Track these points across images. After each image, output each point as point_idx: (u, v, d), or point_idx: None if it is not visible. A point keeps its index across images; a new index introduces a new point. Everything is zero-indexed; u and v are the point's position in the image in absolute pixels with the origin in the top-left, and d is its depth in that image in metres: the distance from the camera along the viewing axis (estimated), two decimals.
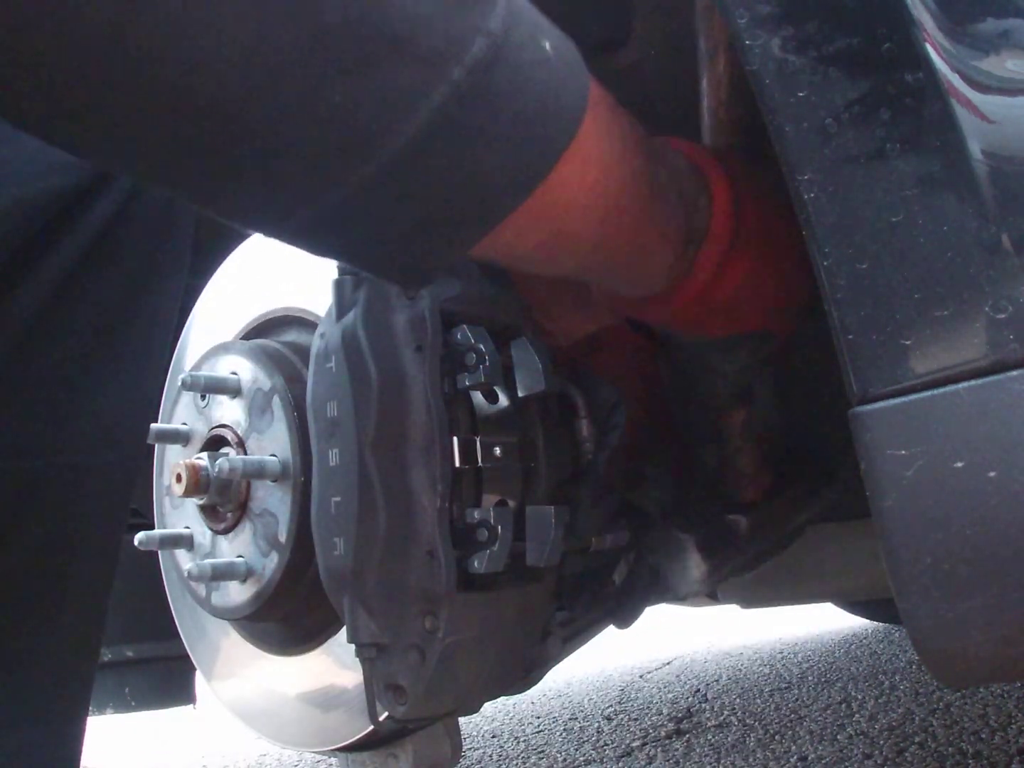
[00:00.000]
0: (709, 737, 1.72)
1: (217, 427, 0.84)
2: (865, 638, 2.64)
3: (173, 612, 0.97)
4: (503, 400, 0.69)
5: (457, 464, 0.65)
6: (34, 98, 0.40)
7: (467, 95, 0.43)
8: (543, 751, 1.81)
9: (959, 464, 0.47)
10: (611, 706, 2.18)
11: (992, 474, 0.47)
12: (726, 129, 0.71)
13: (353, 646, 0.67)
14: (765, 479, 0.85)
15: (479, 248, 0.50)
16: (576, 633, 0.89)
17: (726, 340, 0.70)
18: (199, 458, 0.79)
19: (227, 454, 0.81)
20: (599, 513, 0.75)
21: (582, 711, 2.17)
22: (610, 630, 0.94)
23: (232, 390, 0.82)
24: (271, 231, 0.49)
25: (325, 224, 0.46)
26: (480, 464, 0.66)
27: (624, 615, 0.89)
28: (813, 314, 0.72)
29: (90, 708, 0.77)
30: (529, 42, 0.46)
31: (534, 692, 2.48)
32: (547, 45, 0.47)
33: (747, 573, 0.90)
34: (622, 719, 2.01)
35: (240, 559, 0.80)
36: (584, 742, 1.83)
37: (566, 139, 0.48)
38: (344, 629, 0.67)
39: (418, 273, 0.52)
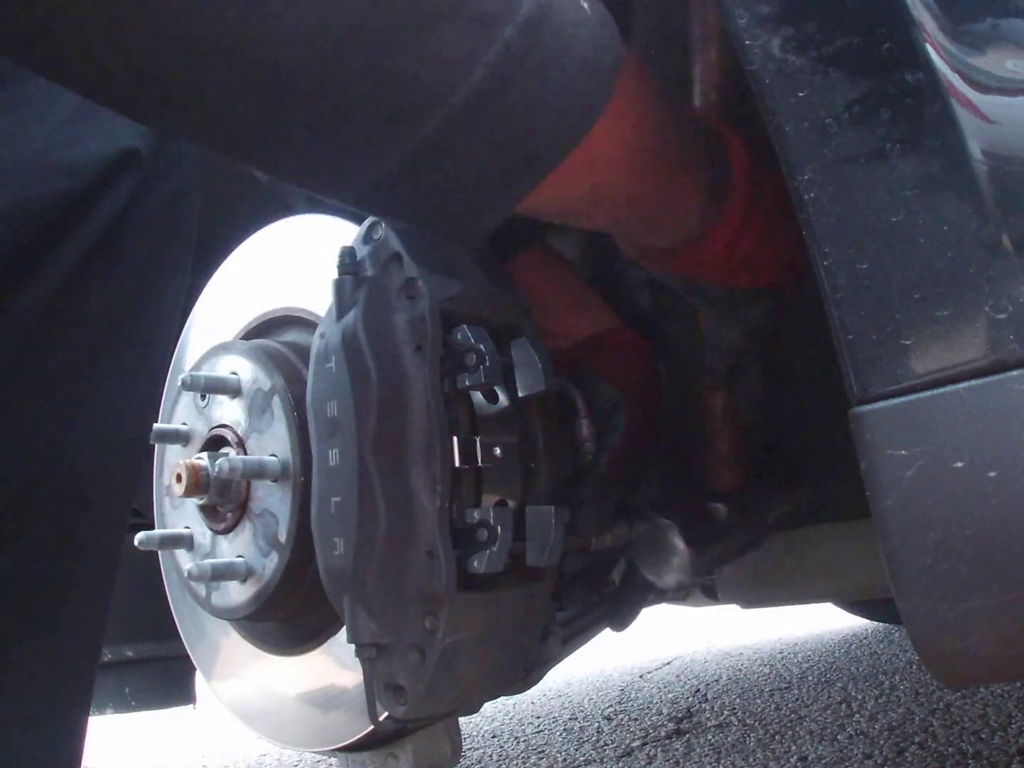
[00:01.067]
0: (709, 737, 1.72)
1: (217, 427, 0.84)
2: (865, 638, 2.64)
3: (173, 612, 0.97)
4: (503, 400, 0.69)
5: (457, 464, 0.65)
6: (115, 69, 0.42)
7: (518, 54, 0.45)
8: (543, 751, 1.81)
9: (959, 464, 0.47)
10: (611, 706, 2.18)
11: (992, 474, 0.47)
12: (716, 109, 0.74)
13: (353, 646, 0.67)
14: (741, 468, 0.87)
15: (525, 203, 0.52)
16: (576, 633, 0.89)
17: (742, 294, 0.73)
18: (199, 458, 0.79)
19: (227, 454, 0.81)
20: (599, 513, 0.75)
21: (582, 711, 2.17)
22: (610, 630, 0.94)
23: (232, 390, 0.82)
24: (339, 194, 0.51)
25: (390, 184, 0.48)
26: (480, 464, 0.66)
27: (620, 617, 0.89)
28: (800, 309, 0.74)
29: (90, 708, 0.77)
30: (571, 3, 0.48)
31: (534, 692, 2.48)
32: (586, 5, 0.49)
33: (728, 564, 0.91)
34: (622, 719, 2.01)
35: (240, 559, 0.80)
36: (584, 742, 1.83)
37: (606, 95, 0.50)
38: (344, 629, 0.67)
39: (474, 228, 0.54)
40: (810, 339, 0.87)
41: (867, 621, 2.78)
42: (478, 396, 0.68)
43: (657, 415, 0.86)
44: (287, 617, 0.83)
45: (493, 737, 2.03)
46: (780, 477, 0.92)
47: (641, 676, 2.60)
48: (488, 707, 2.32)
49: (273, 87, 0.42)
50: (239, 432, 0.82)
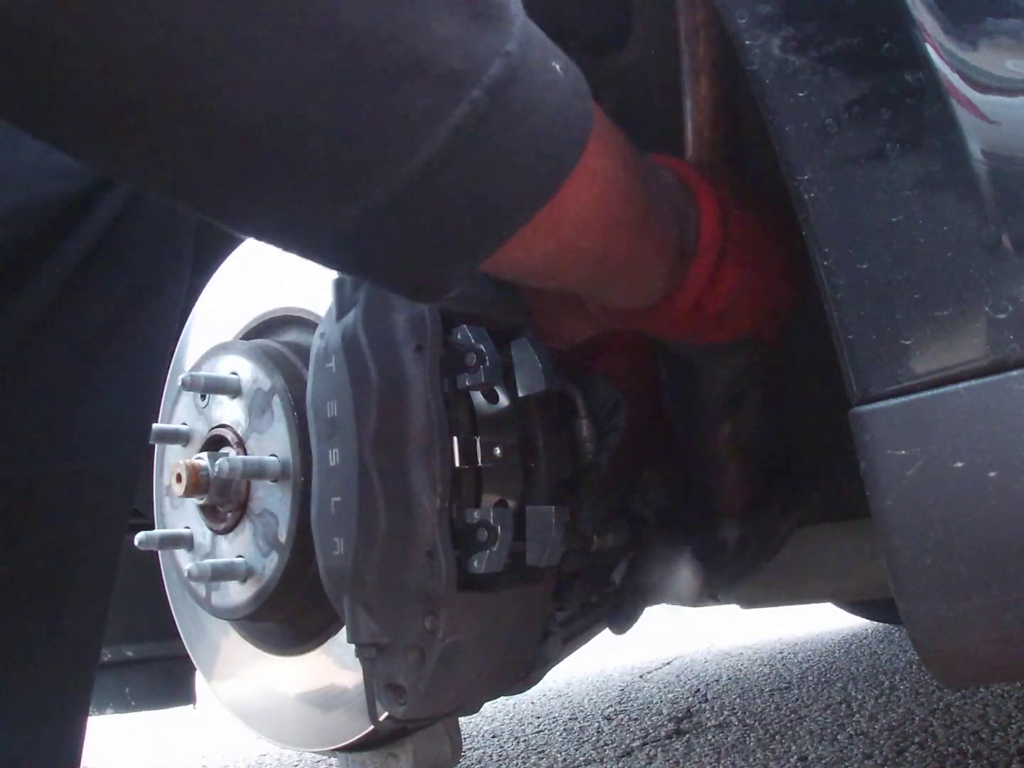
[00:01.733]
0: (709, 737, 1.72)
1: (217, 427, 0.84)
2: (865, 638, 2.64)
3: (173, 612, 0.97)
4: (503, 400, 0.69)
5: (457, 464, 0.65)
6: (65, 110, 0.41)
7: (485, 114, 0.45)
8: (543, 751, 1.81)
9: (959, 464, 0.47)
10: (611, 706, 2.18)
11: (992, 474, 0.47)
12: (710, 145, 0.73)
13: (353, 646, 0.67)
14: (748, 491, 0.86)
15: (488, 263, 0.52)
16: (576, 633, 0.89)
17: (720, 346, 0.73)
18: (199, 458, 0.79)
19: (227, 454, 0.81)
20: (599, 513, 0.75)
21: (582, 711, 2.17)
22: (611, 632, 0.94)
23: (232, 390, 0.82)
24: (292, 246, 0.50)
25: (345, 240, 0.47)
26: (480, 464, 0.66)
27: (620, 620, 0.89)
28: (801, 319, 0.73)
29: (90, 708, 0.77)
30: (541, 63, 0.47)
31: (534, 692, 2.48)
32: (557, 66, 0.48)
33: (740, 581, 0.91)
34: (622, 719, 2.01)
35: (240, 559, 0.80)
36: (584, 742, 1.83)
37: (575, 156, 0.50)
38: (344, 629, 0.67)
39: (431, 287, 0.53)
40: (809, 342, 0.87)
41: (867, 621, 2.78)
42: (478, 396, 0.68)
43: (657, 416, 0.86)
44: (287, 617, 0.83)
45: (493, 737, 2.03)
46: (792, 488, 0.92)
47: (641, 676, 2.59)
48: (488, 707, 2.32)
49: (231, 138, 0.42)
50: (239, 432, 0.82)
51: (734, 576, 0.89)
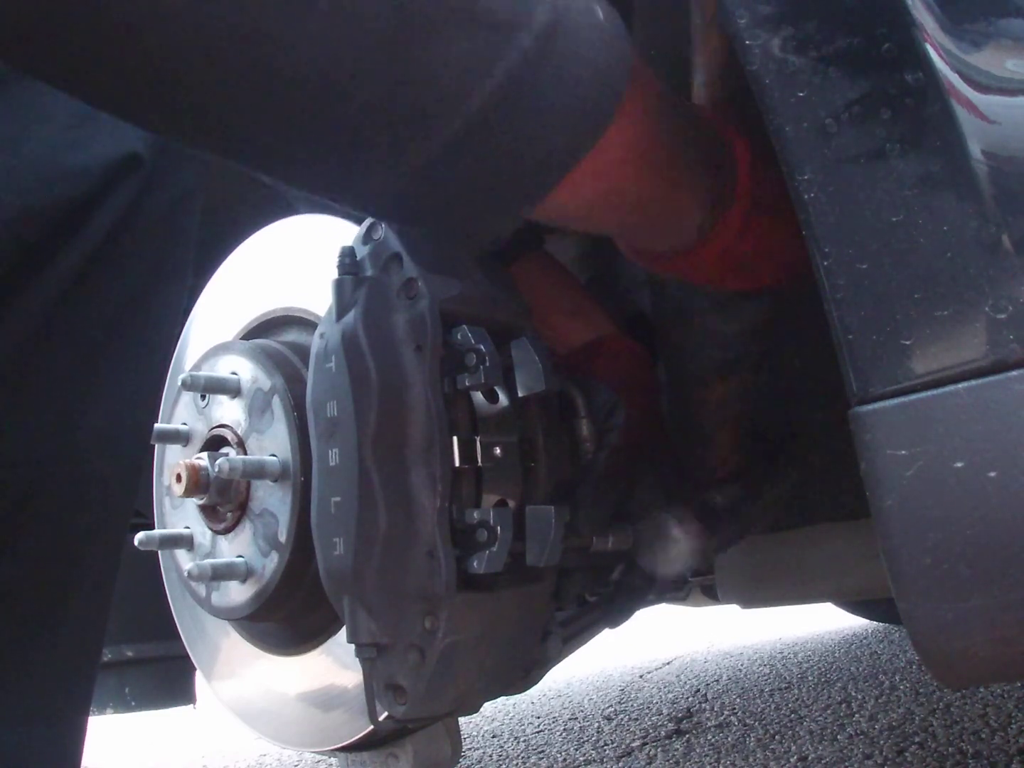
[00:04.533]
0: (709, 737, 1.72)
1: (217, 427, 0.84)
2: (865, 638, 2.64)
3: (173, 612, 0.97)
4: (503, 400, 0.69)
5: (457, 464, 0.65)
6: (126, 76, 0.42)
7: (534, 59, 0.46)
8: (543, 751, 1.81)
9: (959, 464, 0.47)
10: (611, 706, 2.18)
11: (992, 474, 0.47)
12: (720, 102, 0.72)
13: (353, 646, 0.67)
14: (736, 456, 0.88)
15: (538, 208, 0.53)
16: (576, 633, 0.89)
17: (741, 294, 0.74)
18: (199, 458, 0.79)
19: (227, 454, 0.81)
20: (600, 513, 0.75)
21: (582, 711, 2.17)
22: (610, 630, 0.94)
23: (232, 390, 0.82)
24: (358, 201, 0.52)
25: (408, 190, 0.49)
26: (480, 464, 0.66)
27: (615, 615, 0.89)
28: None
29: (91, 708, 0.77)
30: (585, 9, 0.49)
31: (534, 692, 2.48)
32: (599, 10, 0.50)
33: (727, 549, 0.92)
34: (622, 719, 2.01)
35: (240, 559, 0.80)
36: (584, 742, 1.83)
37: (617, 100, 0.51)
38: (344, 629, 0.67)
39: (490, 232, 0.55)
40: (803, 337, 0.88)
41: (867, 621, 2.78)
42: (478, 396, 0.68)
43: (655, 419, 0.86)
44: (287, 617, 0.83)
45: (493, 737, 2.03)
46: (772, 459, 0.94)
47: (641, 676, 2.59)
48: (488, 707, 2.32)
49: (291, 94, 0.43)
50: (239, 432, 0.82)
51: (724, 542, 0.90)
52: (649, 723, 1.92)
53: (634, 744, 1.75)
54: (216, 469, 0.78)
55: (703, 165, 0.63)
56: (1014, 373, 0.46)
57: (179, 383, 0.83)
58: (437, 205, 0.52)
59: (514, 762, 1.76)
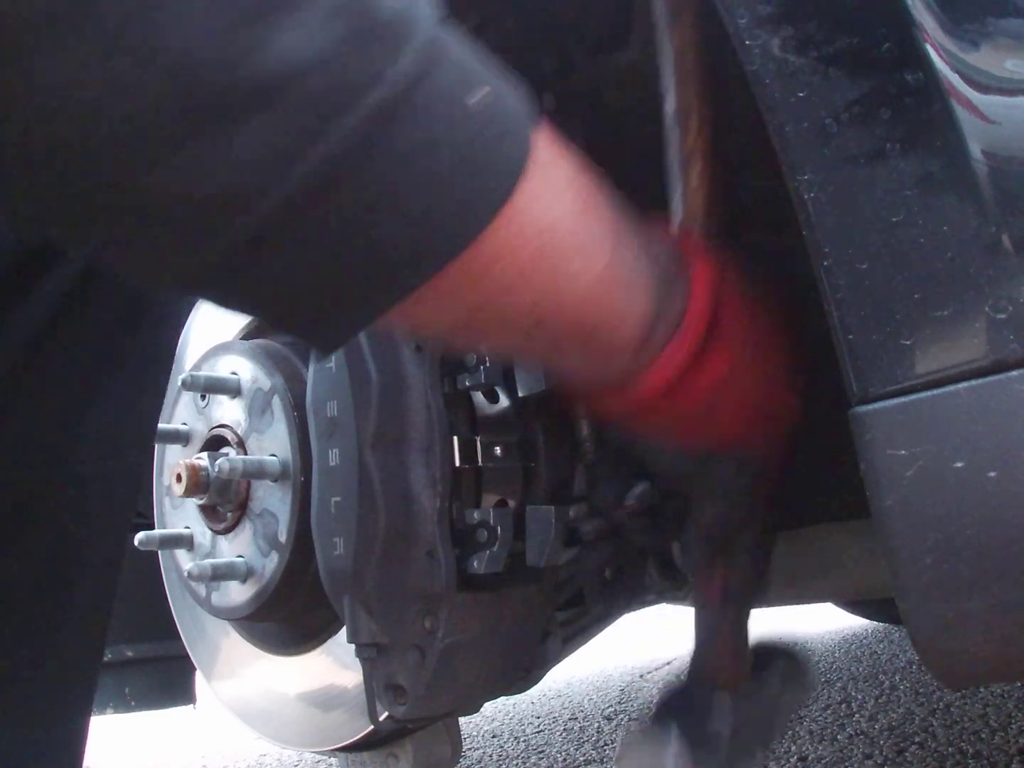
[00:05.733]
0: None
1: (217, 427, 0.84)
2: (865, 638, 2.64)
3: (173, 612, 0.97)
4: (503, 400, 0.69)
5: (457, 464, 0.65)
6: None
7: (358, 148, 0.38)
8: (543, 751, 1.81)
9: (959, 464, 0.47)
10: (611, 706, 2.18)
11: (992, 474, 0.47)
12: (705, 234, 0.64)
13: (353, 646, 0.67)
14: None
15: (392, 320, 0.45)
16: (576, 633, 0.89)
17: (698, 457, 0.63)
18: (199, 458, 0.79)
19: (227, 454, 0.81)
20: (620, 478, 0.73)
21: (582, 711, 2.17)
22: (610, 630, 0.94)
23: (232, 390, 0.82)
24: (163, 286, 0.46)
25: (216, 284, 0.42)
26: (480, 464, 0.66)
27: (614, 614, 0.89)
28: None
29: (92, 710, 0.77)
30: (450, 90, 0.41)
31: (534, 692, 2.48)
32: (477, 94, 0.41)
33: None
34: (622, 719, 2.01)
35: (240, 559, 0.80)
36: (584, 742, 1.83)
37: (492, 206, 0.42)
38: (344, 629, 0.68)
39: (328, 336, 0.46)
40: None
41: (867, 621, 2.78)
42: (478, 396, 0.68)
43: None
44: (287, 617, 0.83)
45: (493, 737, 2.03)
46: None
47: (641, 676, 2.59)
48: (488, 707, 2.32)
49: (69, 168, 0.36)
50: (239, 432, 0.82)
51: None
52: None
53: None
54: (216, 469, 0.78)
55: (640, 282, 0.52)
56: (1014, 373, 0.46)
57: (179, 383, 0.83)
58: (255, 298, 0.44)
59: (514, 762, 1.75)
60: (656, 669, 2.69)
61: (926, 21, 0.49)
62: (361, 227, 0.40)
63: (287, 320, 0.46)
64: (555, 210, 0.46)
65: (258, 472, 0.77)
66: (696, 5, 0.62)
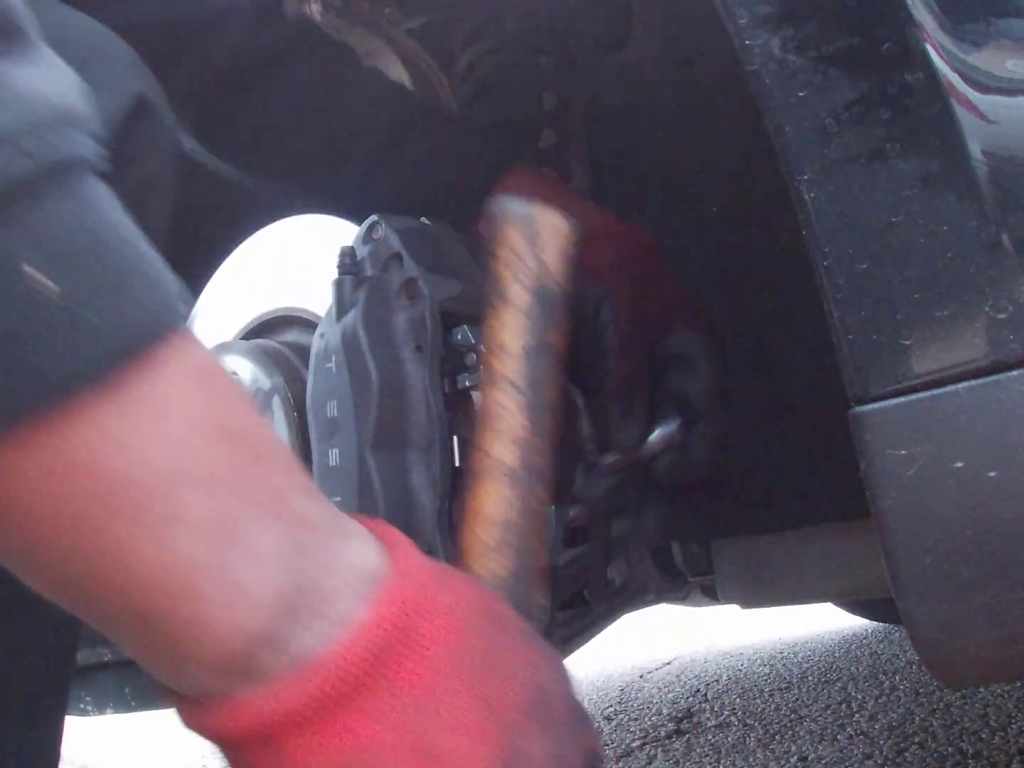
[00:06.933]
0: (709, 737, 1.72)
1: None
2: (865, 638, 2.64)
3: None
4: None
5: (457, 464, 0.65)
6: None
7: None
8: None
9: (959, 464, 0.47)
10: (611, 706, 2.18)
11: (992, 474, 0.47)
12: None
13: None
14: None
15: None
16: (576, 633, 0.89)
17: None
18: None
19: None
20: (635, 419, 0.73)
21: None
22: (610, 630, 0.94)
23: None
24: None
25: None
26: None
27: (614, 613, 0.89)
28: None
29: (89, 708, 0.77)
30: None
31: None
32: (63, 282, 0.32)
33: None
34: (622, 719, 2.01)
35: None
36: None
37: (22, 415, 0.32)
38: None
39: None
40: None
41: (867, 621, 2.78)
42: (478, 396, 0.68)
43: (662, 306, 0.78)
44: None
45: None
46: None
47: (641, 676, 2.59)
48: None
49: None
50: None
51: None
52: (649, 723, 1.92)
53: (634, 744, 1.75)
54: None
55: (261, 570, 0.37)
56: (1014, 373, 0.46)
57: None
58: None
59: None
60: (656, 669, 2.69)
61: (926, 21, 0.49)
62: None
63: None
64: (150, 426, 0.34)
65: None
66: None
